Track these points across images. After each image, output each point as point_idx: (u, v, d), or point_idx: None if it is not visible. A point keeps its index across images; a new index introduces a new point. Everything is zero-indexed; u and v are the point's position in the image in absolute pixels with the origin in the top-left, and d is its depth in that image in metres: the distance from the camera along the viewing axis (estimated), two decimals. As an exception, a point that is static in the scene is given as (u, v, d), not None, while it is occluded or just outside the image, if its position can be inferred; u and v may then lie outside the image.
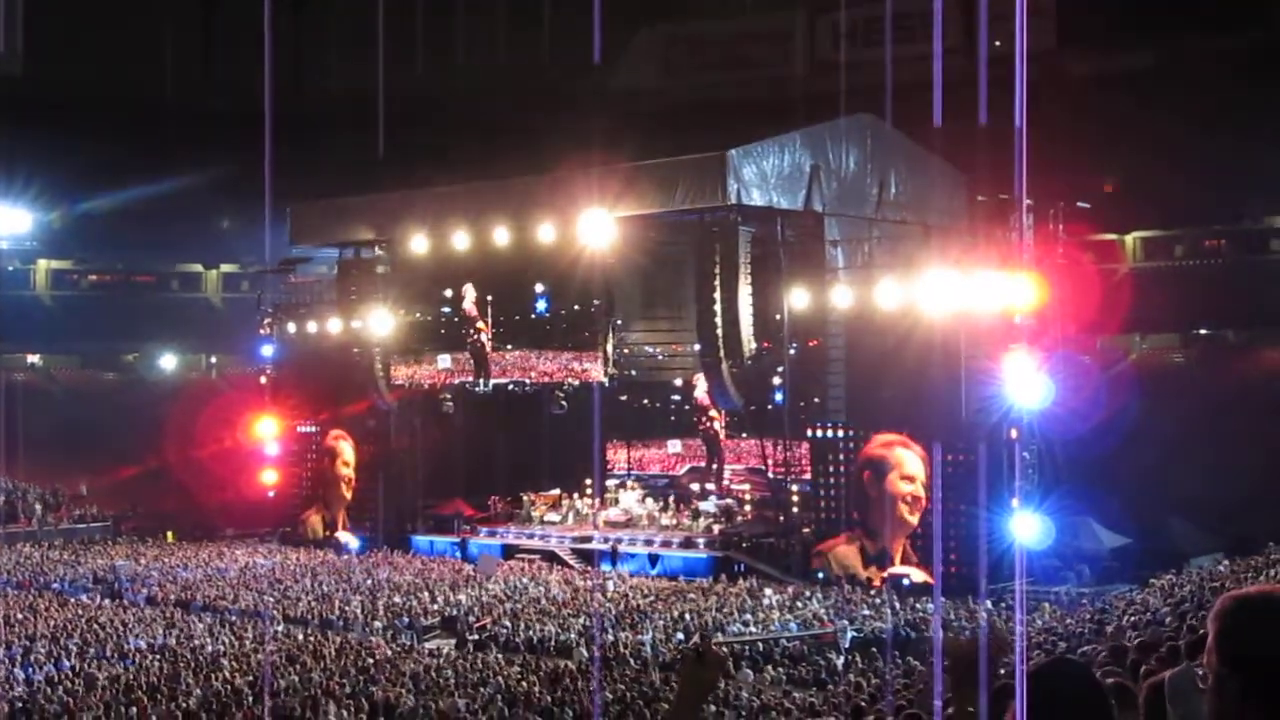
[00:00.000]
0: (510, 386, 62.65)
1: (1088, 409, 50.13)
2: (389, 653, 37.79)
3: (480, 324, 60.21)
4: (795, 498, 54.03)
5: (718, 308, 52.75)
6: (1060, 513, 47.84)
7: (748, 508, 58.54)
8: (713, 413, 58.88)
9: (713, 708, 28.43)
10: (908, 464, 50.76)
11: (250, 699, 30.14)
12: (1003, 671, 6.33)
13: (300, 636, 40.42)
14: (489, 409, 64.02)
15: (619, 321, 60.08)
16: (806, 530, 53.22)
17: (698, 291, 54.18)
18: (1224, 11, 66.63)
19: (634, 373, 61.94)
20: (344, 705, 29.30)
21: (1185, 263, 72.81)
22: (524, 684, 32.47)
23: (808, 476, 53.73)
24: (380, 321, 62.93)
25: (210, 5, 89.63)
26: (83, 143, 78.48)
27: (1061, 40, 68.43)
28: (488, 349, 60.54)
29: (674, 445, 64.92)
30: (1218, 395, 61.25)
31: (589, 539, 56.84)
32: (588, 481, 60.15)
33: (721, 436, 60.21)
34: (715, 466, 60.50)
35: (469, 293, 60.17)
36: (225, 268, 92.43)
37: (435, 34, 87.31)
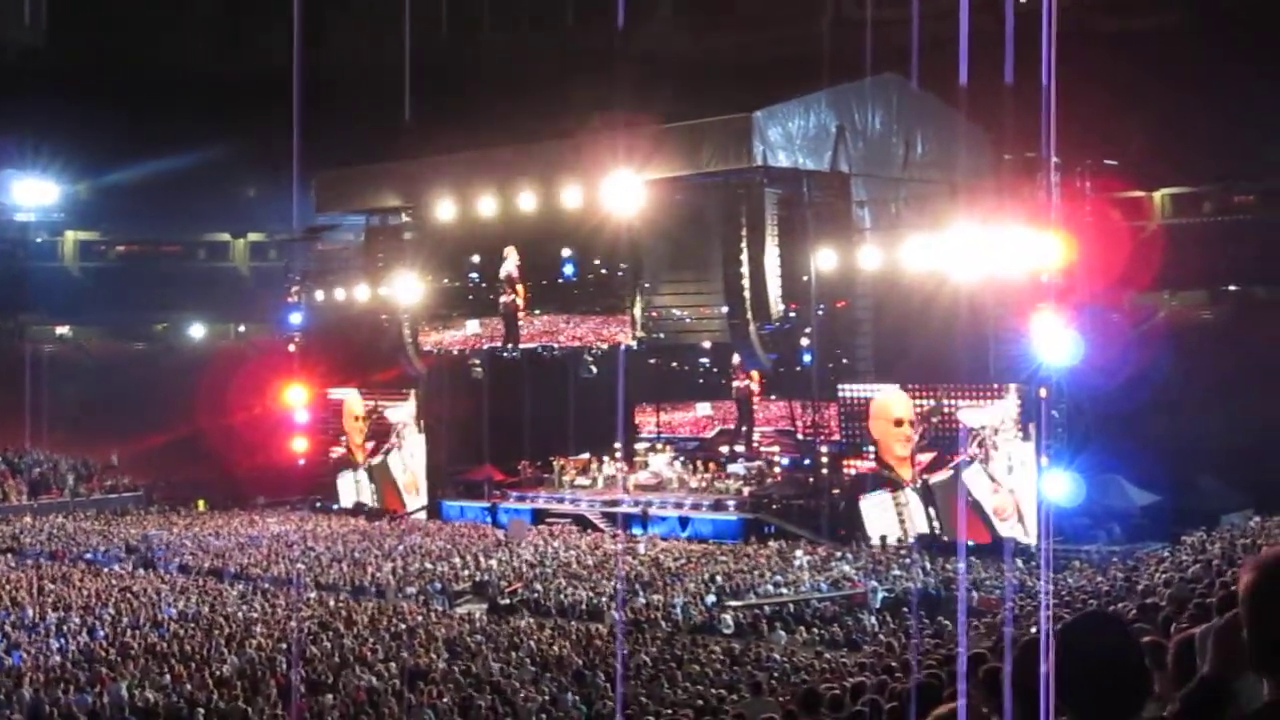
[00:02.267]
0: (539, 351, 62.64)
1: (1117, 366, 50.01)
2: (420, 618, 37.90)
3: (519, 287, 60.09)
4: (825, 458, 54.01)
5: (745, 270, 52.74)
6: (1090, 470, 47.77)
7: (777, 469, 58.56)
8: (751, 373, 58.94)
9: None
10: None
11: (284, 666, 30.24)
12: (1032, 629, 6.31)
13: (332, 603, 40.55)
14: (518, 374, 64.03)
15: (646, 285, 59.97)
16: (836, 491, 53.23)
17: (725, 254, 54.15)
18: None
19: (662, 335, 61.87)
20: (376, 671, 29.39)
21: (1214, 219, 72.42)
22: (555, 648, 32.55)
23: (837, 437, 53.70)
24: (408, 288, 62.98)
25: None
26: (108, 114, 78.56)
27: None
28: (520, 314, 60.48)
29: (703, 408, 64.89)
30: (1248, 351, 60.96)
31: (619, 503, 56.89)
32: (617, 445, 60.18)
33: (755, 397, 60.19)
34: (745, 429, 60.46)
35: (511, 255, 59.94)
36: (252, 236, 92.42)
37: (460, 1, 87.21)
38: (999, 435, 49.09)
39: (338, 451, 67.94)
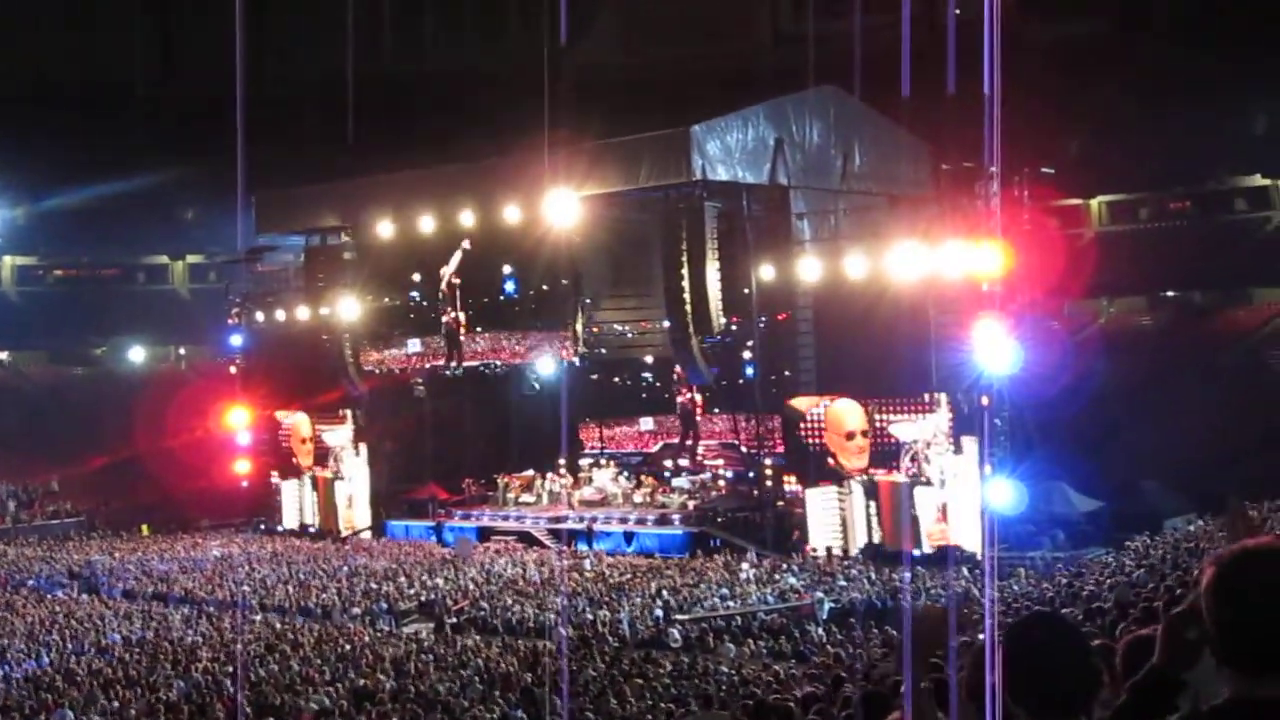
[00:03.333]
0: (481, 369, 62.56)
1: (1057, 374, 50.32)
2: (366, 639, 37.80)
3: (458, 301, 59.71)
4: (769, 471, 54.12)
5: (686, 284, 52.76)
6: (1033, 478, 48.03)
7: (722, 482, 58.63)
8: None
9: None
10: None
11: (230, 689, 30.12)
12: (969, 638, 6.36)
13: (278, 625, 40.41)
14: (460, 392, 64.01)
15: (588, 300, 60.01)
16: (780, 504, 53.34)
17: (665, 268, 54.16)
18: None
19: (604, 351, 61.93)
20: (324, 692, 29.28)
21: (1150, 225, 73.05)
22: (503, 665, 32.51)
23: (780, 450, 53.82)
24: (349, 307, 62.79)
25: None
26: (45, 137, 78.18)
27: (1021, 5, 68.49)
28: (463, 330, 60.25)
29: (646, 422, 64.89)
30: (1186, 357, 61.47)
31: (564, 519, 56.85)
32: (561, 461, 60.16)
33: (698, 411, 60.29)
34: (689, 443, 60.52)
35: (453, 263, 59.33)
36: (191, 258, 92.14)
37: (403, 19, 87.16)
38: (931, 449, 49.33)
39: (277, 479, 67.50)
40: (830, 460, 51.64)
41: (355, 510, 64.46)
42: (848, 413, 51.39)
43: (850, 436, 51.25)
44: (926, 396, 49.31)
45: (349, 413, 64.93)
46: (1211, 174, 71.29)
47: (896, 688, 13.41)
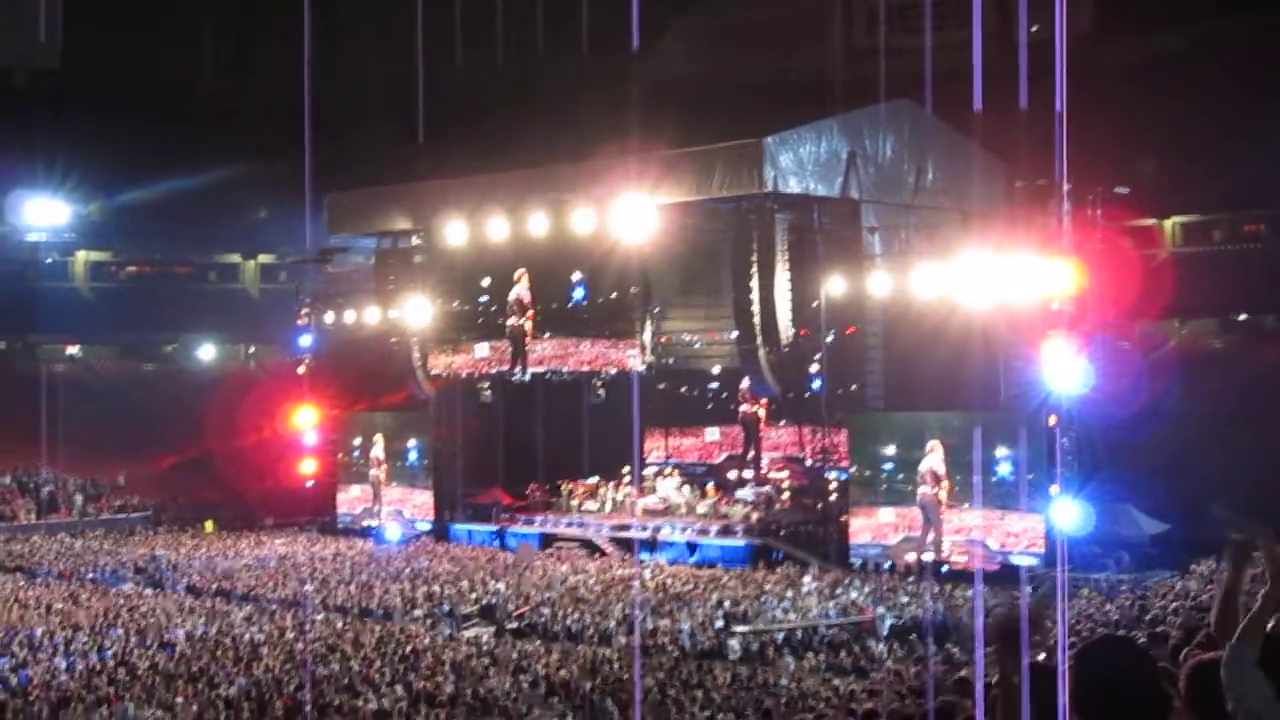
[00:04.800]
0: (548, 375, 62.59)
1: (1128, 395, 49.90)
2: (427, 641, 37.90)
3: (530, 311, 59.79)
4: (833, 485, 53.94)
5: (755, 295, 52.64)
6: (1100, 499, 47.70)
7: (785, 495, 58.51)
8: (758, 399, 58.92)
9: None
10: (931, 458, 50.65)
11: (291, 687, 30.25)
12: (1042, 655, 6.30)
13: (340, 625, 40.57)
14: (527, 398, 64.06)
15: (656, 309, 59.94)
16: (844, 518, 53.16)
17: (734, 279, 54.05)
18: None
19: (671, 360, 61.85)
20: (383, 694, 29.38)
21: (1224, 247, 72.40)
22: (563, 672, 32.54)
23: (845, 464, 53.66)
24: (418, 310, 62.89)
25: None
26: (120, 134, 78.87)
27: (1098, 24, 68.16)
28: (529, 338, 60.28)
29: (712, 433, 64.83)
30: (1257, 380, 60.91)
31: (627, 527, 56.86)
32: (625, 470, 60.12)
33: (762, 423, 60.19)
34: (753, 454, 60.41)
35: (523, 279, 59.50)
36: (263, 258, 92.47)
37: (474, 23, 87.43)
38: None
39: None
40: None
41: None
42: (934, 454, 50.59)
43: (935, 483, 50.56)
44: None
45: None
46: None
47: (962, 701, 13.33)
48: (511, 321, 59.41)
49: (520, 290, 59.15)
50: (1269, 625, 5.88)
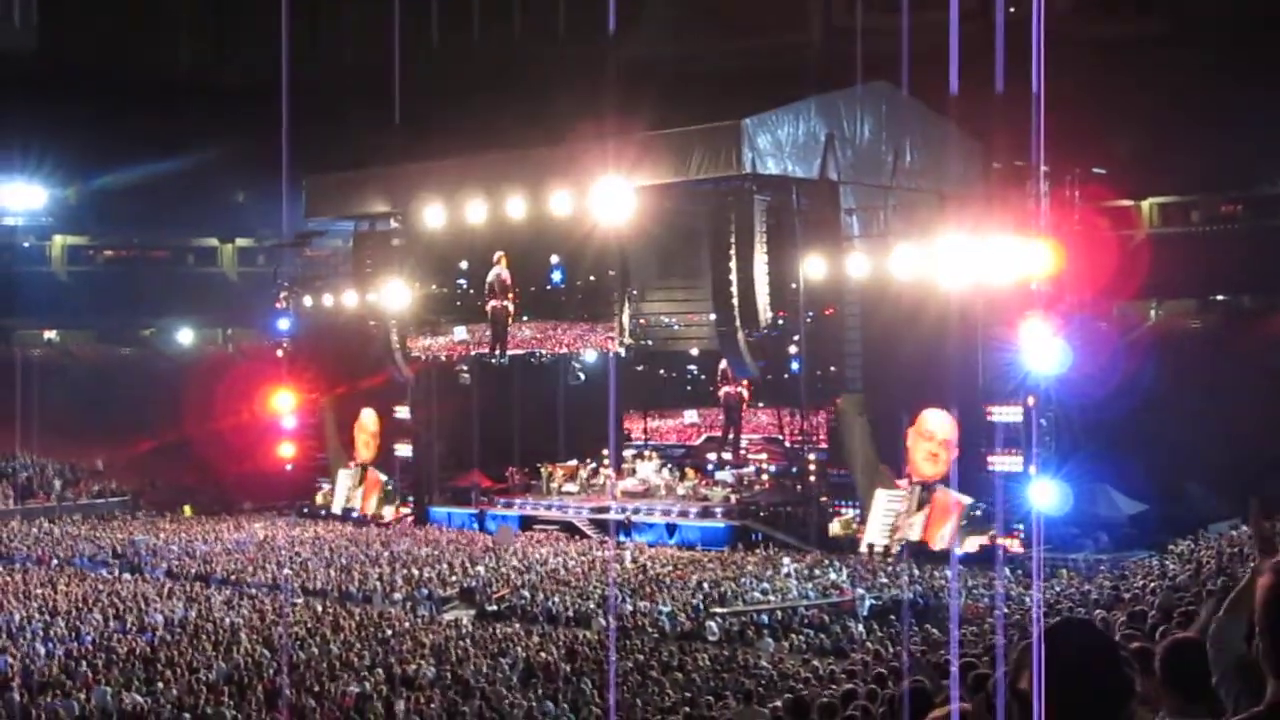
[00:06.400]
0: (527, 358, 62.57)
1: (1105, 375, 50.04)
2: (407, 624, 37.89)
3: (511, 292, 59.63)
4: (812, 466, 54.01)
5: (733, 277, 52.65)
6: (1078, 479, 47.84)
7: (765, 477, 58.60)
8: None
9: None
10: (928, 421, 50.79)
11: (271, 671, 30.22)
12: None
13: (319, 609, 40.52)
14: (506, 380, 63.98)
15: (634, 291, 59.97)
16: (824, 499, 53.26)
17: (713, 261, 54.07)
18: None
19: (650, 343, 61.89)
20: (364, 677, 29.37)
21: (1202, 228, 72.52)
22: (543, 654, 32.55)
23: (824, 445, 53.76)
24: (396, 294, 62.83)
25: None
26: (97, 118, 78.59)
27: (1076, 5, 68.12)
28: (510, 320, 60.15)
29: (690, 415, 64.98)
30: (1235, 360, 61.04)
31: (606, 509, 56.89)
32: (605, 452, 60.16)
33: (745, 405, 60.27)
34: (732, 436, 60.47)
35: (501, 262, 59.40)
36: (241, 242, 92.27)
37: (451, 5, 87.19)
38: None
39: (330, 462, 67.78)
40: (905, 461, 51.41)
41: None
42: (937, 421, 50.76)
43: (929, 438, 50.82)
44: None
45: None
46: (1264, 178, 70.68)
47: (939, 685, 13.38)
48: (493, 304, 59.24)
49: (501, 271, 59.00)
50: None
